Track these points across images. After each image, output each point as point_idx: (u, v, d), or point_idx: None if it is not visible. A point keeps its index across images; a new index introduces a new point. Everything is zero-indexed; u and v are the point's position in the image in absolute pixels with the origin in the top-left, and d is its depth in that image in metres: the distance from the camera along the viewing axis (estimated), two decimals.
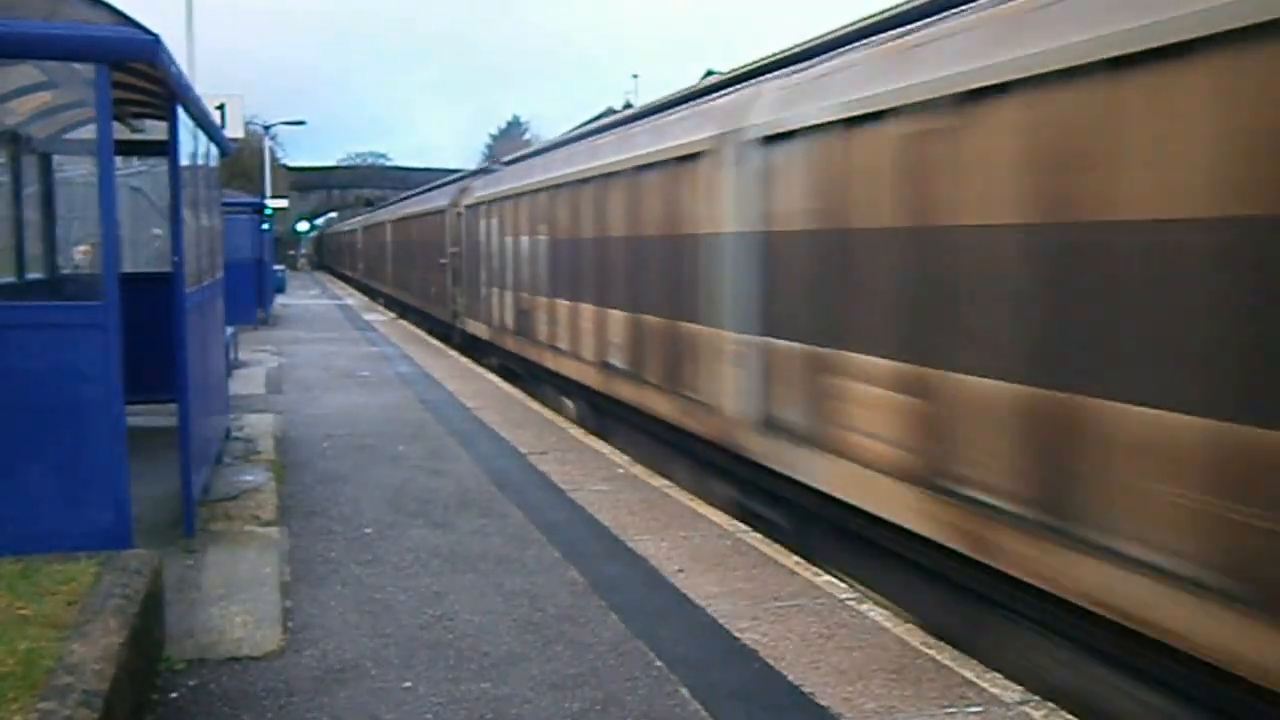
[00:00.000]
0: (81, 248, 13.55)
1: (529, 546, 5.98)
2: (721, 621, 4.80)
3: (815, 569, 5.65)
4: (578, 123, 20.76)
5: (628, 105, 32.75)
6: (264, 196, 31.40)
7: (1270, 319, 3.34)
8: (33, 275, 8.76)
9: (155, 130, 7.86)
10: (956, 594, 5.12)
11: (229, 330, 10.79)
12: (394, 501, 6.98)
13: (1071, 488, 4.16)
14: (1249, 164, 3.39)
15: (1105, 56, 3.91)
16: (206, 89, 12.47)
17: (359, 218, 48.61)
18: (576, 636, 4.61)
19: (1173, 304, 3.70)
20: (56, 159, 9.49)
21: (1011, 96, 4.44)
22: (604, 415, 10.53)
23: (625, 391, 9.52)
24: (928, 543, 5.10)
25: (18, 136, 8.08)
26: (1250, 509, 3.42)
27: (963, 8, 5.20)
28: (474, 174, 20.66)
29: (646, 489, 7.46)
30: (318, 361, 15.30)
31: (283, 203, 44.83)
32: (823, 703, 3.96)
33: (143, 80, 5.66)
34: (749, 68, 8.15)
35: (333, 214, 73.03)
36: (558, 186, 11.61)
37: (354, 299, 33.80)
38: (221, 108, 19.36)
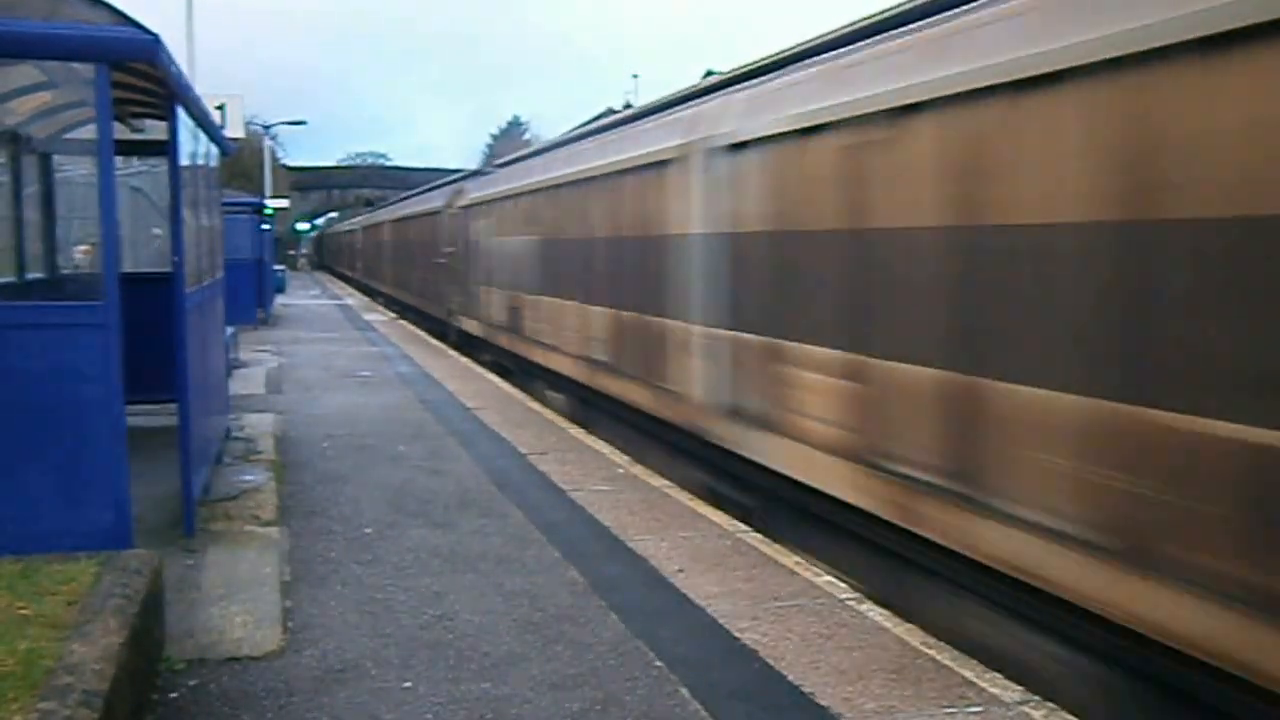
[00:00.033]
0: (82, 248, 13.55)
1: (529, 546, 5.98)
2: (721, 621, 4.80)
3: (815, 569, 5.66)
4: (578, 123, 20.83)
5: (627, 105, 32.73)
6: (264, 196, 31.40)
7: (1131, 309, 3.90)
8: (33, 275, 8.76)
9: (155, 130, 7.86)
10: (894, 562, 5.61)
11: (229, 330, 10.79)
12: (394, 501, 6.98)
13: (977, 460, 4.71)
14: (1109, 177, 3.97)
15: (998, 81, 4.51)
16: (206, 89, 12.48)
17: (358, 218, 48.77)
18: (576, 636, 4.61)
19: (1054, 297, 4.25)
20: (56, 159, 9.49)
21: (926, 114, 5.06)
22: (589, 408, 10.98)
23: (606, 384, 10.04)
24: (870, 516, 5.62)
25: (18, 136, 8.08)
26: (1117, 474, 3.95)
27: (893, 31, 5.78)
28: (469, 176, 21.06)
29: (647, 489, 7.46)
30: (318, 361, 15.29)
31: (283, 203, 44.84)
32: (823, 703, 3.96)
33: (143, 80, 5.65)
34: (715, 80, 8.75)
35: (333, 214, 73.07)
36: (544, 189, 12.17)
37: (354, 299, 33.81)
38: (221, 108, 19.39)
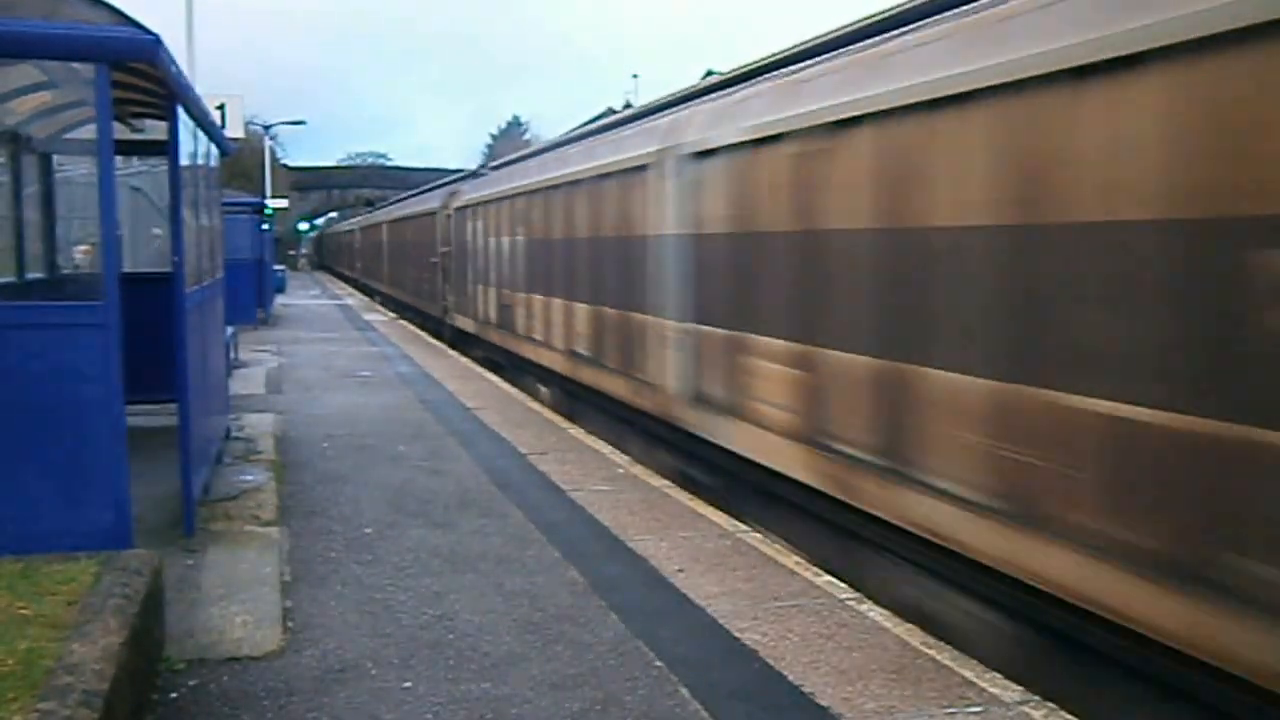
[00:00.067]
0: (81, 247, 13.55)
1: (529, 546, 5.98)
2: (721, 621, 4.80)
3: (815, 569, 5.66)
4: (578, 123, 20.91)
5: (627, 105, 32.78)
6: (264, 196, 31.43)
7: (1025, 303, 4.44)
8: (33, 275, 8.76)
9: (155, 130, 7.85)
10: (839, 534, 6.16)
11: (229, 330, 10.79)
12: (394, 501, 6.98)
13: (900, 437, 5.30)
14: (1008, 186, 4.53)
15: (916, 100, 5.09)
16: (206, 89, 12.48)
17: (357, 218, 48.95)
18: (576, 636, 4.61)
19: (960, 291, 4.83)
20: (56, 159, 9.49)
21: (860, 128, 5.63)
22: (574, 400, 11.57)
23: (589, 376, 10.66)
24: (816, 492, 6.20)
25: (18, 136, 8.08)
26: (1013, 447, 4.49)
27: (836, 51, 6.40)
28: (464, 178, 21.55)
29: (646, 489, 7.46)
30: (318, 361, 15.29)
31: (283, 203, 44.85)
32: (823, 703, 3.96)
33: (143, 80, 5.65)
34: (687, 91, 9.54)
35: (333, 214, 73.04)
36: (533, 191, 12.73)
37: (354, 299, 33.81)
38: (221, 108, 19.35)
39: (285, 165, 62.52)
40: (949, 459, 4.92)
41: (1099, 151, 4.03)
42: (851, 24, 6.56)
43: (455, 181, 21.84)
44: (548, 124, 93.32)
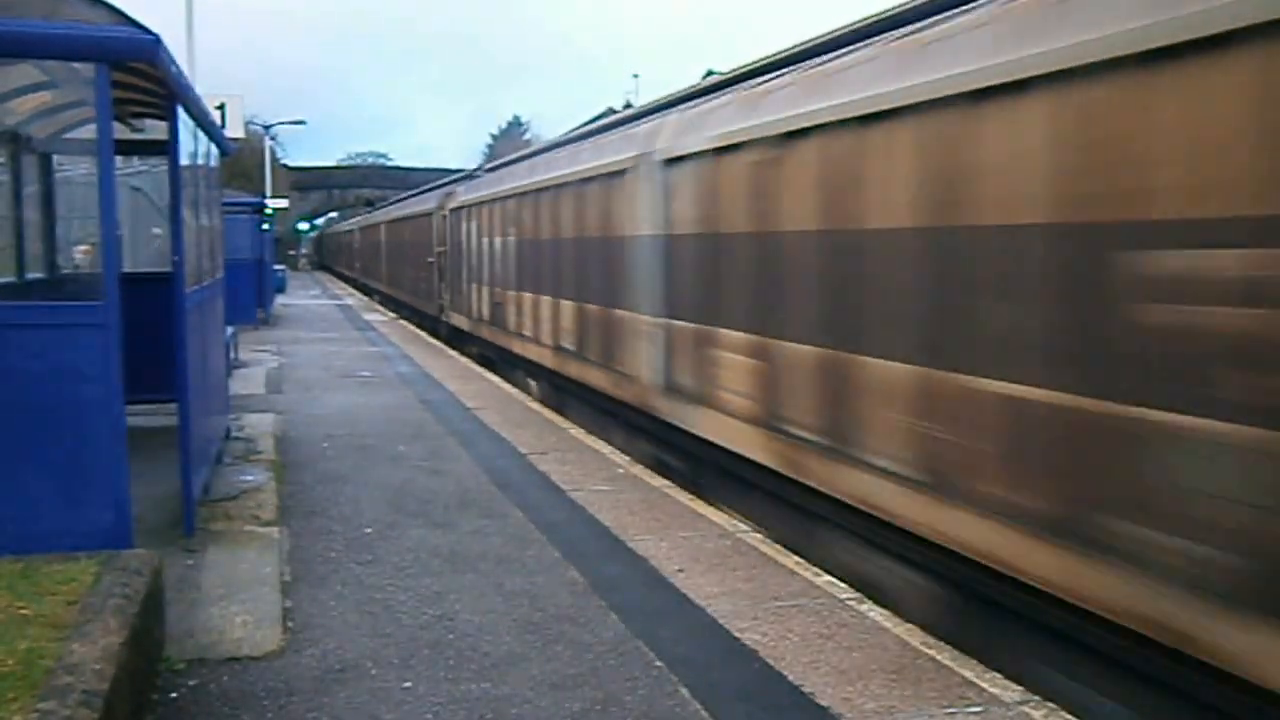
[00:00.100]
0: (81, 247, 13.55)
1: (529, 546, 5.98)
2: (721, 621, 4.80)
3: (815, 569, 5.66)
4: (578, 123, 20.96)
5: (627, 105, 32.79)
6: (264, 196, 31.41)
7: (937, 296, 4.97)
8: (33, 275, 8.76)
9: (155, 130, 7.84)
10: (799, 512, 6.65)
11: (229, 330, 10.79)
12: (394, 501, 6.98)
13: (839, 419, 5.85)
14: (924, 193, 5.08)
15: (851, 115, 5.65)
16: (206, 89, 12.48)
17: (357, 219, 49.11)
18: (576, 636, 4.61)
19: (891, 286, 5.37)
20: (56, 159, 9.48)
21: (807, 139, 6.16)
22: (561, 393, 12.16)
23: (574, 370, 11.25)
24: (773, 473, 6.72)
25: (18, 136, 8.08)
26: (929, 425, 5.03)
27: (790, 67, 6.93)
28: (459, 179, 21.92)
29: (647, 489, 7.46)
30: (318, 361, 15.30)
31: (283, 203, 44.84)
32: (823, 703, 3.96)
33: (143, 80, 5.65)
34: (663, 100, 10.11)
35: (333, 214, 73.03)
36: (523, 194, 13.34)
37: (354, 299, 33.82)
38: (221, 108, 19.35)
39: (285, 165, 62.52)
40: (878, 437, 5.48)
41: (997, 164, 4.55)
42: (804, 42, 7.08)
43: (451, 183, 22.21)
44: (548, 124, 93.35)
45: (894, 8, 5.96)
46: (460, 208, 18.21)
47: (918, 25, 5.46)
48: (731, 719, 3.85)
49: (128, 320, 5.03)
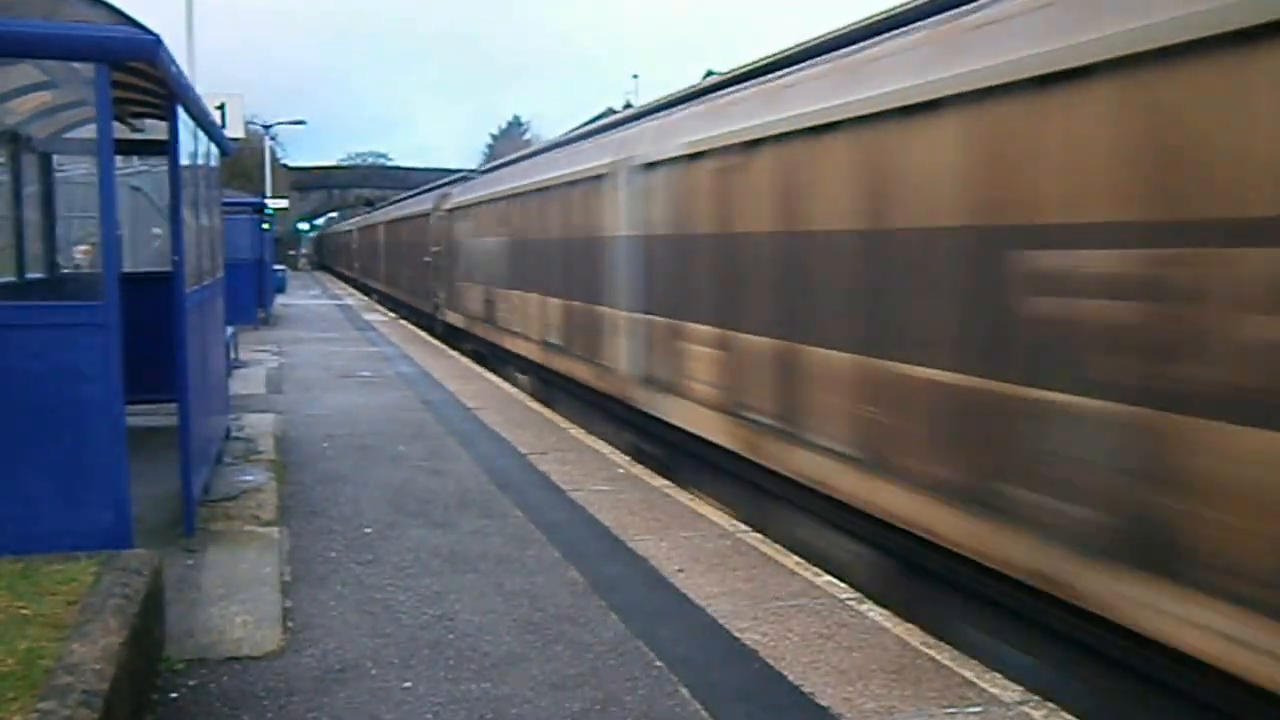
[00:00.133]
0: (82, 247, 13.57)
1: (529, 546, 5.98)
2: (721, 621, 4.80)
3: (815, 569, 5.66)
4: (578, 122, 21.01)
5: (628, 105, 32.78)
6: (264, 196, 31.41)
7: (870, 290, 5.57)
8: (33, 275, 8.76)
9: (155, 130, 7.85)
10: (761, 493, 7.17)
11: (229, 330, 10.79)
12: (394, 501, 6.98)
13: (792, 404, 6.40)
14: (860, 199, 5.69)
15: (799, 128, 6.22)
16: (206, 89, 12.47)
17: (356, 219, 49.28)
18: (576, 636, 4.61)
19: (832, 283, 5.96)
20: (56, 159, 9.48)
21: (763, 149, 6.74)
22: (550, 387, 12.73)
23: (561, 364, 11.87)
24: (736, 456, 7.29)
25: (18, 136, 8.08)
26: (864, 407, 5.61)
27: (752, 81, 7.50)
28: (453, 181, 22.50)
29: (647, 489, 7.46)
30: (318, 361, 15.30)
31: (283, 203, 44.84)
32: (823, 703, 3.96)
33: (143, 80, 5.65)
34: (641, 109, 10.93)
35: (333, 214, 73.02)
36: (512, 196, 14.00)
37: (354, 299, 33.82)
38: (221, 108, 19.36)
39: (285, 165, 62.52)
40: (823, 420, 6.07)
41: (919, 173, 5.14)
42: (766, 57, 7.64)
43: (446, 185, 22.70)
44: (548, 124, 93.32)
45: (843, 27, 6.52)
46: (454, 209, 18.75)
47: (858, 46, 6.03)
48: (731, 719, 3.85)
49: (128, 320, 5.03)
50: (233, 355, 12.77)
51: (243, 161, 37.08)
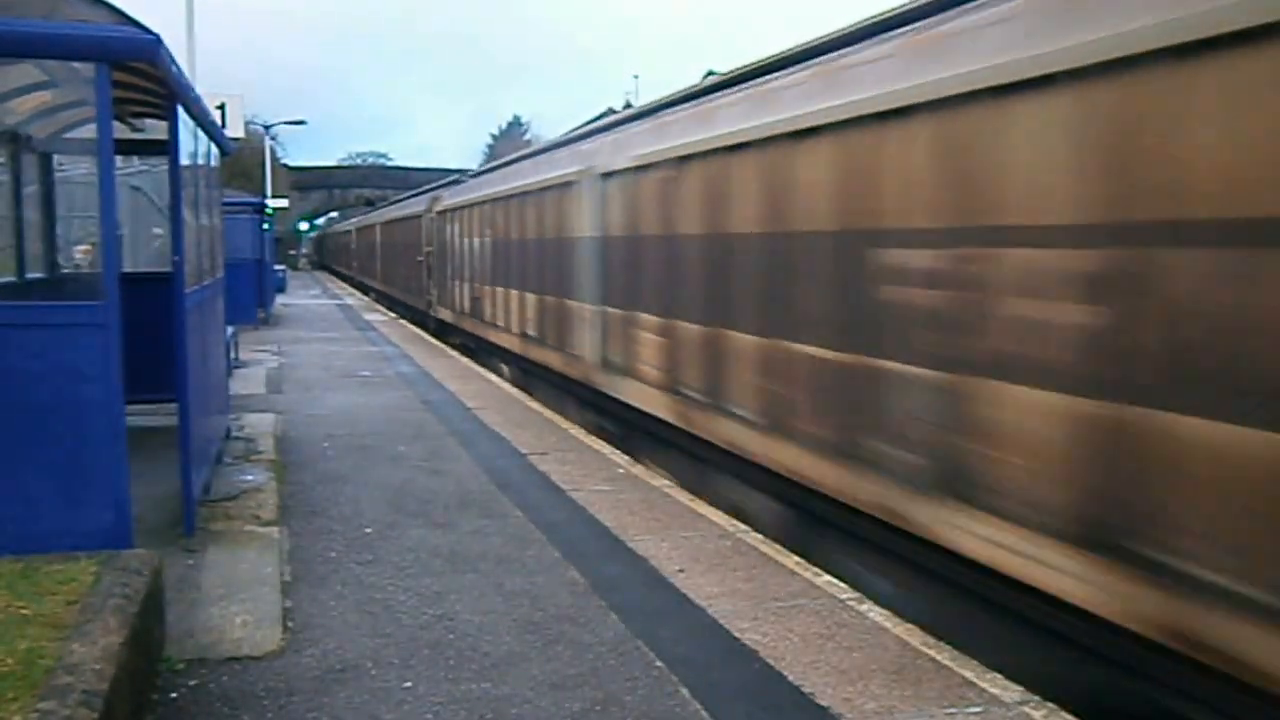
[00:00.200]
0: (82, 247, 13.56)
1: (529, 546, 5.98)
2: (722, 622, 4.80)
3: (815, 569, 5.66)
4: (579, 122, 21.04)
5: (628, 105, 32.80)
6: (264, 196, 31.43)
7: (771, 283, 6.69)
8: (33, 275, 8.75)
9: (155, 130, 7.84)
10: (696, 460, 8.27)
11: (229, 330, 10.78)
12: (394, 501, 6.98)
13: (716, 381, 7.54)
14: (764, 206, 6.78)
15: (720, 146, 7.38)
16: (206, 89, 12.46)
17: (354, 220, 49.51)
18: (577, 636, 4.61)
19: (745, 276, 7.05)
20: (56, 159, 9.48)
21: (693, 162, 7.88)
22: (529, 375, 13.91)
23: (537, 354, 13.10)
24: (678, 430, 8.37)
25: (18, 136, 8.07)
26: (768, 381, 6.75)
27: (693, 100, 8.65)
28: (445, 184, 23.62)
29: (647, 489, 7.46)
30: (318, 361, 15.30)
31: (283, 203, 44.88)
32: (823, 703, 3.96)
33: (143, 80, 5.65)
34: (608, 121, 12.44)
35: (333, 214, 73.02)
36: (496, 199, 15.22)
37: (354, 299, 33.82)
38: (222, 108, 19.36)
39: (285, 165, 62.55)
40: (738, 392, 7.15)
41: (806, 186, 6.22)
42: (700, 83, 8.87)
43: (438, 188, 23.73)
44: (548, 124, 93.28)
45: (756, 61, 7.67)
46: (445, 211, 19.94)
47: (770, 76, 7.03)
48: (731, 719, 3.85)
49: (128, 320, 5.02)
50: (233, 355, 12.77)
51: (243, 161, 37.09)
